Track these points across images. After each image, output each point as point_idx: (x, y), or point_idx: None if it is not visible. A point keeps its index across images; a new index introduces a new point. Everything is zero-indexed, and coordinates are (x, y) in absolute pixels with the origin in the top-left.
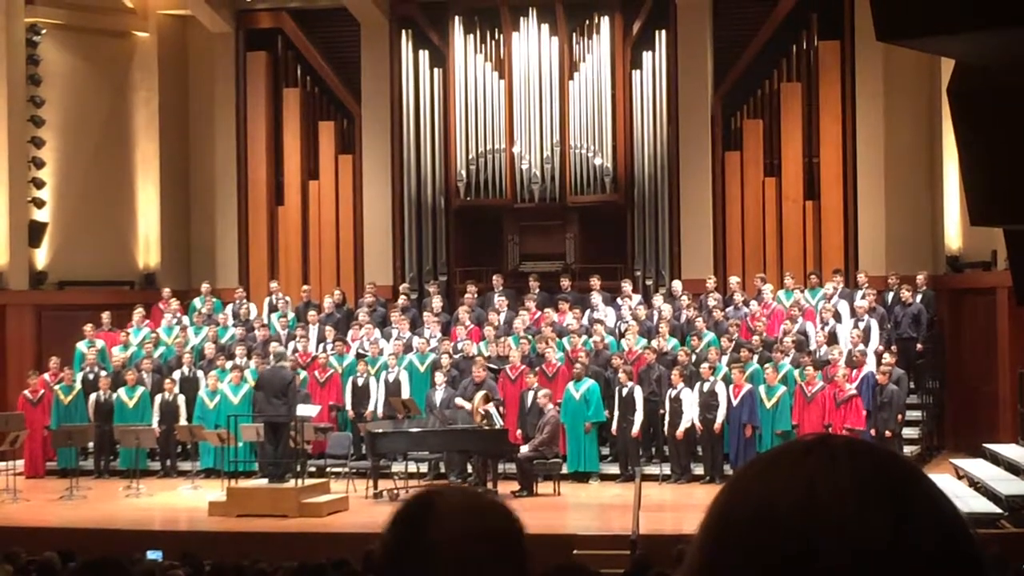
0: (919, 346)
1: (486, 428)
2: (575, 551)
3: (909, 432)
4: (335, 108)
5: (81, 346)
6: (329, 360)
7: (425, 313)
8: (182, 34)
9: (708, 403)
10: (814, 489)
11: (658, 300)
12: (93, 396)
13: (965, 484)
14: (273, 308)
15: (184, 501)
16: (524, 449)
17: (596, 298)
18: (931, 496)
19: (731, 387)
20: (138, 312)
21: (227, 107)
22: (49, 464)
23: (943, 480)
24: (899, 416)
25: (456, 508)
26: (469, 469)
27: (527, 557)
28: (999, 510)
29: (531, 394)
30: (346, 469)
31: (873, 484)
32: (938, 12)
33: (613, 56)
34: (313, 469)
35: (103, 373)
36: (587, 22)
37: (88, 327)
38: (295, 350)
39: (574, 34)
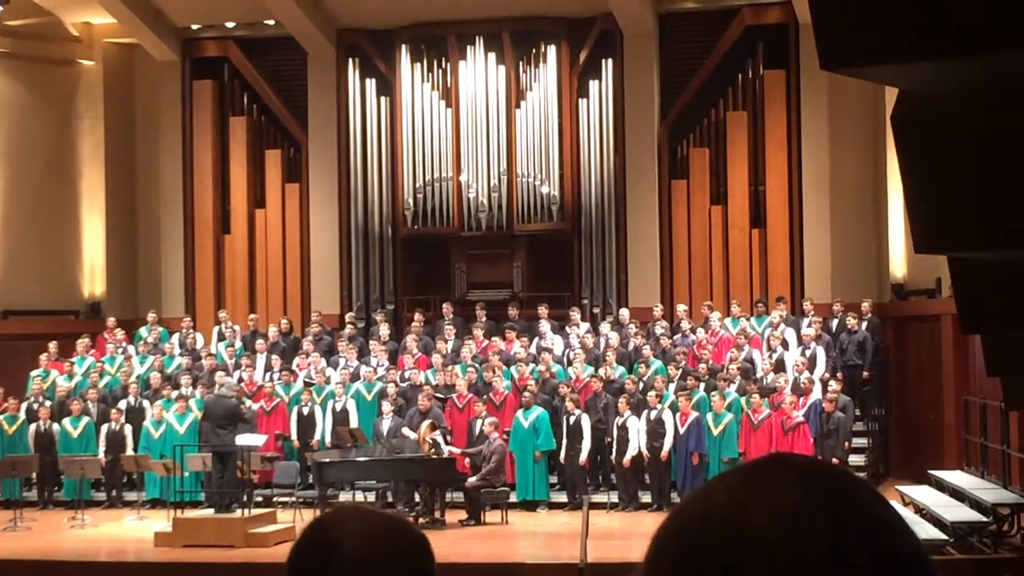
0: (865, 373)
1: (433, 457)
2: None
3: (855, 459)
4: (282, 136)
5: (34, 374)
6: (275, 389)
7: (372, 342)
8: (128, 62)
9: (655, 431)
10: (745, 506)
11: (605, 328)
12: (33, 426)
13: (911, 511)
14: (221, 337)
15: (130, 532)
16: (472, 478)
17: (544, 326)
18: (873, 517)
19: (678, 415)
20: (82, 342)
21: (173, 135)
22: None
23: None
24: (846, 443)
25: (361, 525)
26: (417, 498)
27: (434, 569)
28: (945, 536)
29: (479, 423)
30: (293, 499)
31: (812, 501)
32: (881, 41)
33: (560, 85)
34: (260, 499)
35: (47, 403)
36: (534, 51)
37: (43, 356)
38: (241, 379)
39: (521, 63)
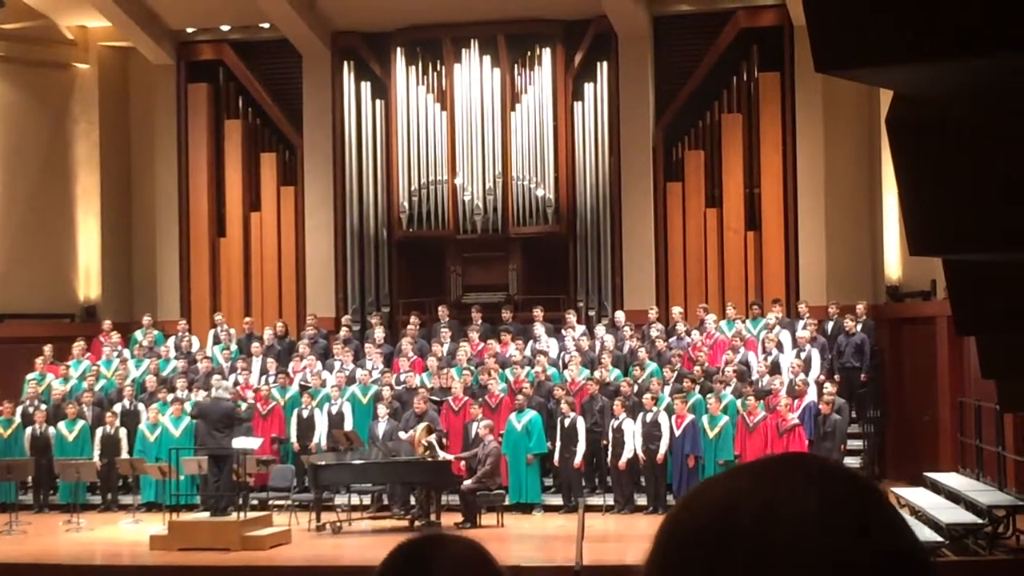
0: (863, 376)
1: (429, 460)
2: None
3: (850, 461)
4: (277, 140)
5: (29, 377)
6: (271, 392)
7: (367, 345)
8: (123, 66)
9: (651, 433)
10: (773, 503)
11: (601, 331)
12: (29, 430)
13: (906, 513)
14: (217, 340)
15: (125, 535)
16: (467, 481)
17: (539, 329)
18: (874, 516)
19: (673, 417)
20: (78, 345)
21: (168, 139)
22: None
23: None
24: (841, 445)
25: (457, 551)
26: (412, 501)
27: None
28: (940, 539)
29: (475, 425)
30: (289, 502)
31: (836, 501)
32: (876, 43)
33: (555, 87)
34: (255, 502)
35: (43, 406)
36: (529, 54)
37: (39, 360)
38: (237, 382)
39: (516, 66)
